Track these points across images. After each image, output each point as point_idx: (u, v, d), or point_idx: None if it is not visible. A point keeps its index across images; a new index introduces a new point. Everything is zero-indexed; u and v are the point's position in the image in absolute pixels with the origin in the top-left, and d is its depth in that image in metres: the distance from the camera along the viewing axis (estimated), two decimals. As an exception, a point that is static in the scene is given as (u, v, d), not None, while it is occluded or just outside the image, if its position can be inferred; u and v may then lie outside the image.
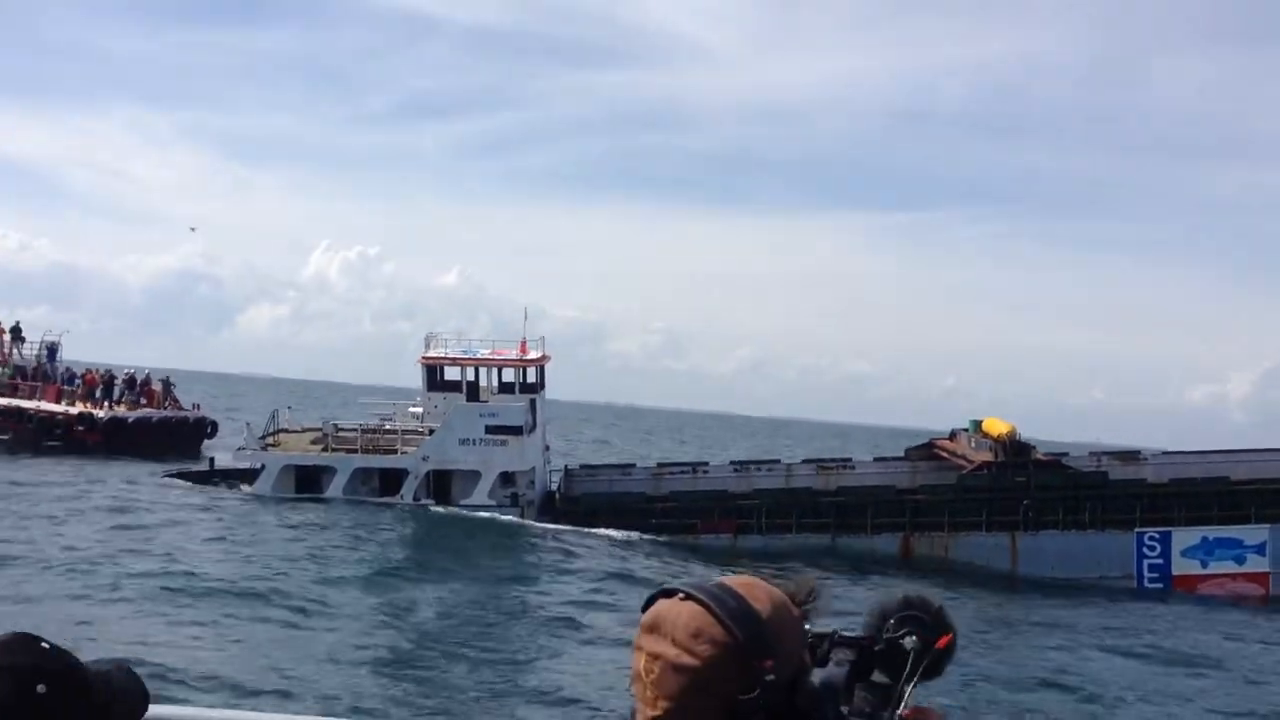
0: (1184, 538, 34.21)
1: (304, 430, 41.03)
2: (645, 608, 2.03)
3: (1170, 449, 39.70)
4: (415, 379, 38.79)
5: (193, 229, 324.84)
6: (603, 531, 35.43)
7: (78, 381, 54.66)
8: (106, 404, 53.28)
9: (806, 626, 2.11)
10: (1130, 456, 38.36)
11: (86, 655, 2.01)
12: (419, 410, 38.28)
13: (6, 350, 56.63)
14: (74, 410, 52.05)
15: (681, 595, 1.98)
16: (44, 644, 1.93)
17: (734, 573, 2.14)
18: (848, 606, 25.01)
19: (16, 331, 57.70)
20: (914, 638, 2.41)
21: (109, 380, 54.62)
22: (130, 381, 54.85)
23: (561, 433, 54.80)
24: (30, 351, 56.96)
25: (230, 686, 15.69)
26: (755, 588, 2.01)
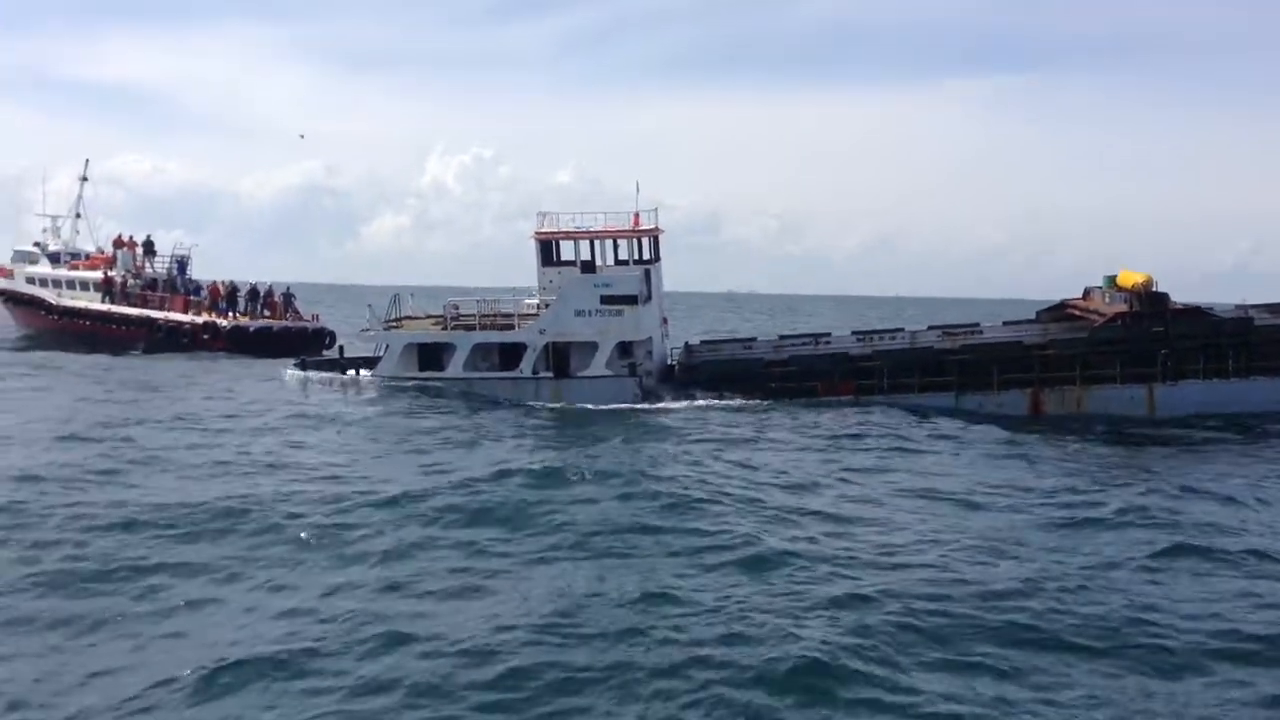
0: (1338, 380, 32.47)
1: (426, 316, 41.52)
2: None
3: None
4: (536, 279, 38.36)
5: (301, 136, 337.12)
6: (720, 403, 35.04)
7: (204, 293, 56.43)
8: (231, 314, 54.94)
9: None
10: (1279, 307, 36.43)
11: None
12: (534, 302, 38.30)
13: (139, 263, 58.84)
14: (200, 319, 53.85)
15: None
16: None
17: None
18: (980, 462, 24.30)
19: (149, 246, 59.95)
20: None
21: (232, 292, 56.28)
22: (253, 293, 56.44)
23: (680, 324, 53.92)
24: (161, 265, 59.10)
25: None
26: None
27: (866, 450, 27.01)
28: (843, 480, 23.01)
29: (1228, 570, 16.05)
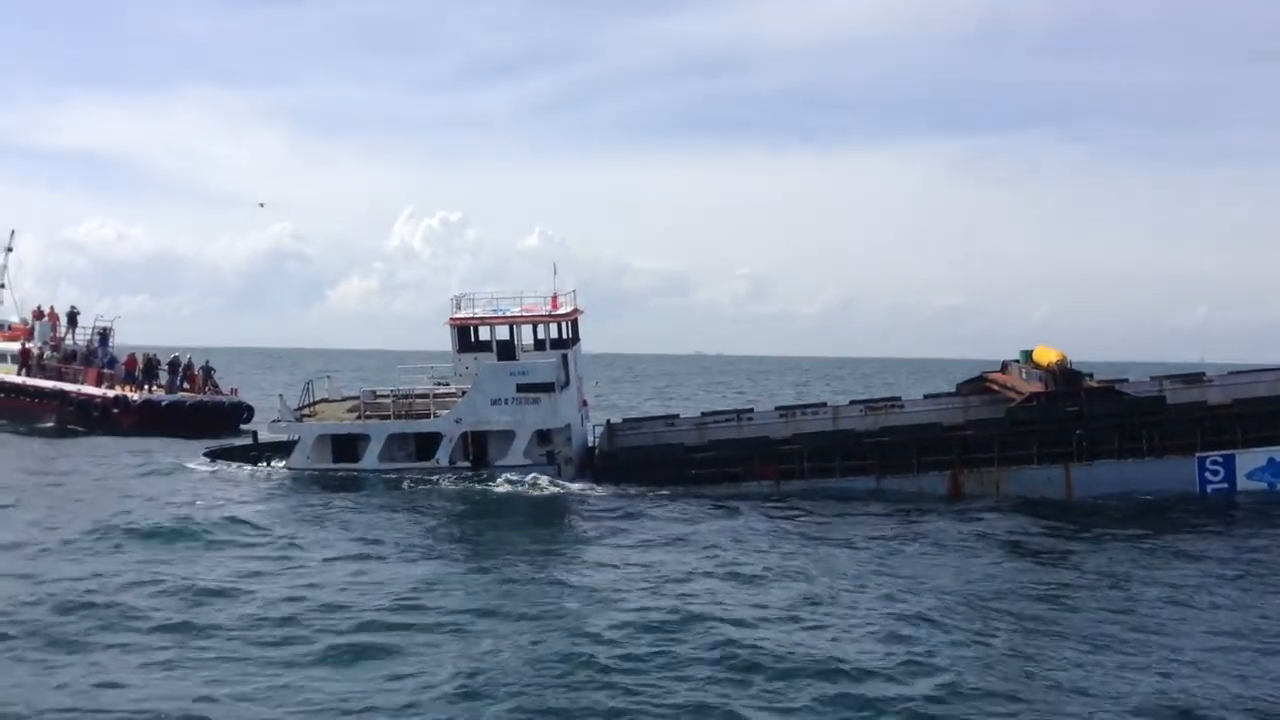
0: (1249, 460, 32.72)
1: (344, 399, 40.68)
2: None
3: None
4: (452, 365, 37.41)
5: (261, 204, 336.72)
6: (638, 490, 34.40)
7: (119, 365, 55.05)
8: (146, 387, 53.64)
9: None
10: (1194, 379, 36.75)
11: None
12: (449, 390, 37.71)
13: (61, 333, 57.53)
14: (111, 394, 52.54)
15: None
16: None
17: None
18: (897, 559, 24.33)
19: (73, 317, 58.59)
20: None
21: (150, 364, 54.93)
22: (173, 365, 55.07)
23: (642, 388, 53.10)
24: (83, 336, 57.80)
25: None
26: None
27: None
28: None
29: None
